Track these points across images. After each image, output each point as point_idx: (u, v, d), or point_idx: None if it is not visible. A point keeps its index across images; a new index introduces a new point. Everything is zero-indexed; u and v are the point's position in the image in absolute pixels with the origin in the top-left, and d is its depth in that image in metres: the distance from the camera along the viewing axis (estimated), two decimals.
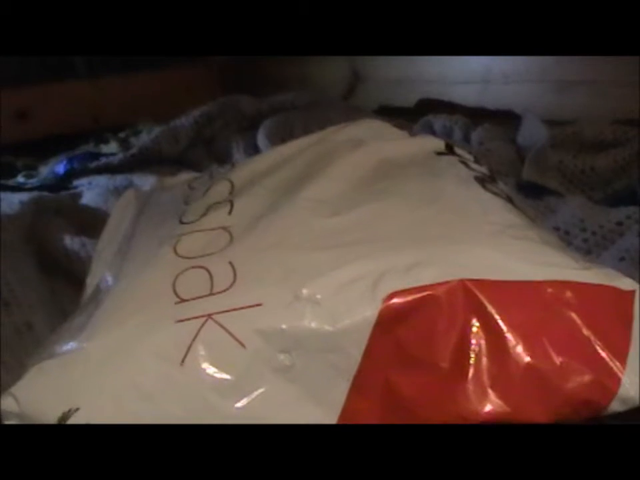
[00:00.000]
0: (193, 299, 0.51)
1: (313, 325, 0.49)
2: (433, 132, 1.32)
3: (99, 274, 0.63)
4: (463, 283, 0.49)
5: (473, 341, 0.49)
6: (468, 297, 0.49)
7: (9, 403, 0.48)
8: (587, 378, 0.48)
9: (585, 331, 0.49)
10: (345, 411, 0.49)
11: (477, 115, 1.39)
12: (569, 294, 0.50)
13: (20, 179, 1.39)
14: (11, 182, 1.37)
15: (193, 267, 0.54)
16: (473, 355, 0.49)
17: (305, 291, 0.49)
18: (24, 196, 1.08)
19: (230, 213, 0.60)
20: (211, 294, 0.51)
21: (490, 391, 0.48)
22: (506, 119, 1.38)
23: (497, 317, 0.49)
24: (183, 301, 0.51)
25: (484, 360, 0.48)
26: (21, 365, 0.53)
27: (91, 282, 0.64)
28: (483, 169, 0.67)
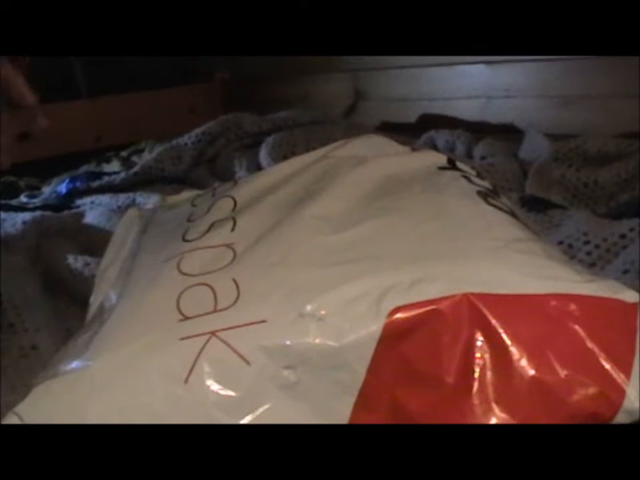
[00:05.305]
0: (197, 316, 0.51)
1: (318, 340, 0.48)
2: (435, 147, 1.33)
3: (102, 293, 0.63)
4: (466, 297, 0.49)
5: (478, 355, 0.49)
6: (472, 311, 0.49)
7: (13, 422, 0.48)
8: (591, 390, 0.48)
9: (589, 344, 0.49)
10: None
11: (479, 130, 1.39)
12: (572, 307, 0.50)
13: (23, 198, 1.40)
14: (14, 202, 1.37)
15: (197, 285, 0.54)
16: (477, 369, 0.48)
17: (309, 307, 0.49)
18: (27, 216, 1.08)
19: (233, 230, 0.60)
20: (215, 311, 0.51)
21: (495, 405, 0.48)
22: (508, 134, 1.39)
23: (501, 330, 0.49)
24: (187, 318, 0.51)
25: (488, 374, 0.48)
26: (26, 385, 0.52)
27: (94, 301, 0.64)
28: (486, 184, 0.67)
